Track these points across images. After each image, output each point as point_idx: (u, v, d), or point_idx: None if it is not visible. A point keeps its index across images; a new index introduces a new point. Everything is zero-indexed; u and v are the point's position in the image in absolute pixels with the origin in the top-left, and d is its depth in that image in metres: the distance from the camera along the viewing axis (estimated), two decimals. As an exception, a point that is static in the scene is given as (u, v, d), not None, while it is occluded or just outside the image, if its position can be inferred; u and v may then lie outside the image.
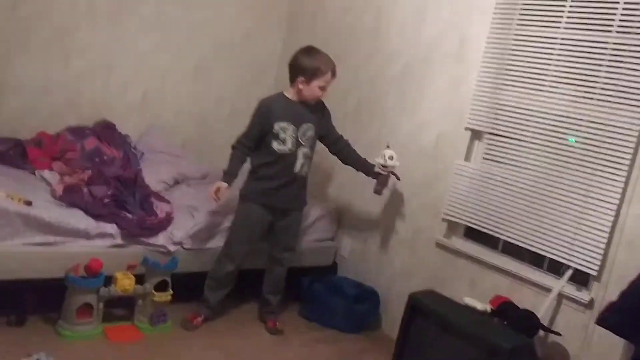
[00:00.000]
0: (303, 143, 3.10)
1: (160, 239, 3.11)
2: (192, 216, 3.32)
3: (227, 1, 4.22)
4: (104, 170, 3.29)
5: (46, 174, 3.23)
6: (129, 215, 3.04)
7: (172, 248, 3.13)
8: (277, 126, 3.05)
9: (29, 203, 2.75)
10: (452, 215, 3.27)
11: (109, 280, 2.85)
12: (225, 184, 3.09)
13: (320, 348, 3.22)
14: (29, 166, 3.28)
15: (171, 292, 3.04)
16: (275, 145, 3.06)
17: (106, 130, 3.68)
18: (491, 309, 2.84)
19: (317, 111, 3.19)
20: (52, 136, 3.50)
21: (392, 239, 3.62)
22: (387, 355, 3.06)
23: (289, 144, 3.07)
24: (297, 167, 3.11)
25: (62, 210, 2.86)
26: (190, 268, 3.22)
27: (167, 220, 3.16)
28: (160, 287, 3.02)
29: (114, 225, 2.96)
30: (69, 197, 2.96)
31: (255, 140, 3.12)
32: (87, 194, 3.01)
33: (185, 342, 2.98)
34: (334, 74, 3.09)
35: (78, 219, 2.87)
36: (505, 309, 2.81)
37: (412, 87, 3.59)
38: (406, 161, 3.53)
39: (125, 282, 2.87)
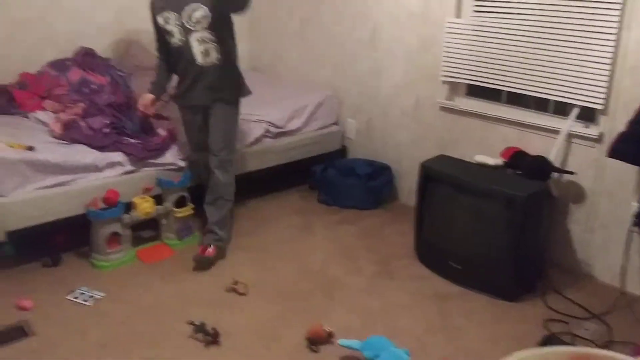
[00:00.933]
0: (192, 27, 2.68)
1: (168, 157, 3.12)
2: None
3: None
4: (96, 100, 3.25)
5: (40, 114, 3.20)
6: (132, 140, 3.03)
7: (181, 164, 3.15)
8: (160, 19, 2.73)
9: (30, 148, 2.74)
10: (451, 76, 3.22)
11: (129, 206, 2.91)
12: (150, 95, 2.92)
13: (345, 228, 3.32)
14: (20, 110, 3.24)
15: (191, 205, 3.10)
16: (169, 39, 2.76)
17: (87, 58, 3.58)
18: (503, 162, 2.88)
19: None
20: (35, 75, 3.42)
21: (396, 112, 3.60)
22: (408, 224, 3.17)
23: (176, 34, 2.72)
24: (198, 56, 2.73)
25: (65, 148, 2.86)
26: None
27: (170, 137, 3.16)
28: (180, 202, 3.08)
29: (120, 153, 2.97)
30: (69, 134, 2.94)
31: (161, 44, 2.85)
32: (85, 128, 2.99)
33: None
34: None
35: (83, 154, 2.87)
36: (517, 159, 2.84)
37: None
38: (398, 29, 3.44)
39: (145, 206, 2.92)
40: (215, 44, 2.72)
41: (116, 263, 2.86)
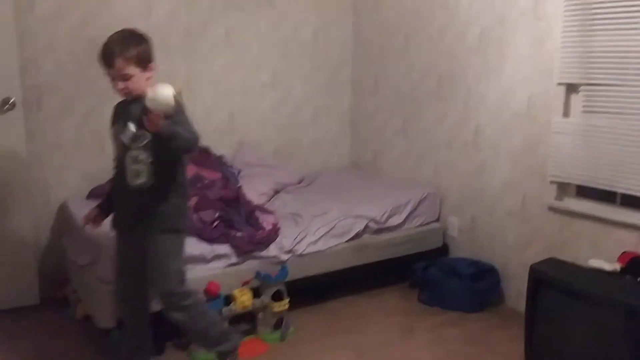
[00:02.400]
0: (129, 144, 2.38)
1: (272, 251, 3.19)
2: (297, 222, 3.40)
3: (289, 6, 4.24)
4: (208, 194, 3.43)
5: (156, 207, 3.41)
6: (239, 233, 3.14)
7: (284, 257, 3.21)
8: (113, 130, 2.51)
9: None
10: (560, 176, 3.12)
11: (228, 299, 2.96)
12: (95, 210, 2.67)
13: (447, 332, 3.18)
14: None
15: (287, 300, 3.12)
16: (114, 151, 2.53)
17: (202, 155, 3.81)
18: (620, 267, 2.69)
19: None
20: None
21: (501, 211, 3.51)
22: (517, 330, 2.98)
23: (118, 149, 2.47)
24: (129, 176, 2.39)
25: (176, 240, 3.00)
26: (305, 273, 3.29)
27: (275, 231, 3.24)
28: (277, 296, 3.10)
29: (227, 246, 3.07)
30: (181, 226, 3.10)
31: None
32: (197, 220, 3.14)
33: (313, 345, 3.04)
34: (103, 64, 2.34)
35: (194, 246, 2.98)
36: (636, 265, 2.64)
37: (493, 52, 3.45)
38: (501, 129, 3.43)
39: (243, 299, 2.97)
40: (152, 166, 2.37)
41: (214, 356, 2.88)
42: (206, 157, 3.81)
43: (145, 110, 2.20)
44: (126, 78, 2.31)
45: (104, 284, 2.78)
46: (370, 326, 3.25)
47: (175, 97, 2.22)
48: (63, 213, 3.42)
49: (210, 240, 3.05)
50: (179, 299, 2.50)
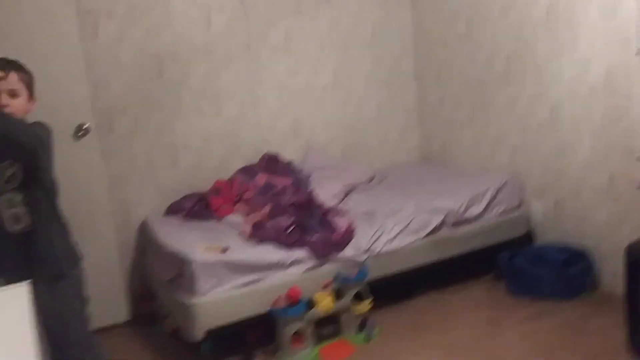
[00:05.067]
0: (1, 188, 2.17)
1: (348, 252, 3.15)
2: (371, 221, 3.34)
3: (346, 3, 4.19)
4: (280, 201, 3.44)
5: (231, 218, 3.45)
6: (314, 237, 3.12)
7: (361, 257, 3.16)
8: None
9: (225, 250, 2.94)
10: (649, 149, 2.91)
11: (310, 303, 2.94)
12: None
13: (540, 323, 3.03)
14: (215, 215, 3.52)
15: (369, 300, 3.06)
16: None
17: (272, 162, 3.84)
18: None
19: None
20: (227, 182, 3.73)
21: (587, 191, 3.31)
22: (616, 315, 2.79)
23: None
24: (7, 221, 2.18)
25: (254, 248, 3.02)
26: (383, 272, 3.23)
27: (349, 232, 3.20)
28: (359, 297, 3.06)
29: (304, 250, 3.06)
30: (258, 235, 3.12)
31: None
32: (272, 228, 3.14)
33: (400, 344, 2.97)
34: None
35: (271, 253, 3.00)
36: None
37: (562, 27, 3.28)
38: (578, 105, 3.25)
39: (325, 302, 2.94)
40: (28, 207, 2.20)
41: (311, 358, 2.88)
42: (276, 164, 3.83)
43: None
44: (13, 95, 2.17)
45: (189, 297, 2.83)
46: (458, 322, 3.15)
47: None
48: (144, 230, 3.52)
49: (287, 246, 3.05)
50: (84, 350, 2.36)
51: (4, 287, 1.64)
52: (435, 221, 3.40)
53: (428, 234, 3.38)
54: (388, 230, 3.27)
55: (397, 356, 2.87)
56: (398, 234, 3.29)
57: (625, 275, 2.60)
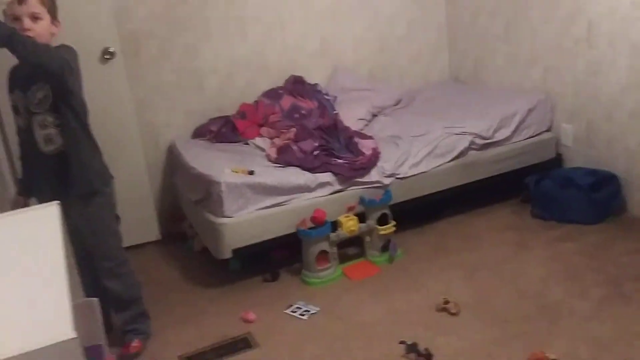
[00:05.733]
0: (34, 110, 2.26)
1: (373, 176, 3.16)
2: (397, 145, 3.32)
3: None
4: (306, 124, 3.43)
5: (258, 141, 3.47)
6: (340, 161, 3.13)
7: (386, 181, 3.17)
8: (12, 97, 2.33)
9: (251, 172, 2.98)
10: (690, 69, 2.78)
11: (334, 225, 2.99)
12: (20, 198, 2.49)
13: (566, 246, 3.03)
14: (241, 138, 3.54)
15: (393, 223, 3.09)
16: (16, 120, 2.37)
17: (297, 85, 3.80)
18: None
19: None
20: (253, 105, 3.73)
21: (622, 114, 3.21)
22: (642, 240, 2.79)
23: (22, 115, 2.30)
24: (40, 143, 2.28)
25: (280, 171, 3.05)
26: (408, 195, 3.24)
27: (375, 155, 3.20)
28: (383, 220, 3.09)
29: (329, 174, 3.08)
30: (283, 158, 3.14)
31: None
32: (297, 151, 3.16)
33: (422, 265, 3.02)
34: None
35: (296, 176, 3.03)
36: None
37: None
38: (618, 21, 3.09)
39: (349, 224, 2.99)
40: (59, 128, 2.28)
41: (325, 280, 2.96)
42: (301, 87, 3.79)
43: None
44: (35, 18, 2.18)
45: (217, 217, 2.90)
46: (482, 244, 3.17)
47: None
48: (172, 153, 3.57)
49: (312, 169, 3.07)
50: (116, 265, 2.50)
51: (36, 206, 1.69)
52: (463, 144, 3.36)
53: (455, 157, 3.35)
54: (414, 154, 3.26)
55: (420, 276, 2.92)
56: (424, 157, 3.27)
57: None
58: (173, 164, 3.60)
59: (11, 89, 2.34)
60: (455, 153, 3.34)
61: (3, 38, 1.98)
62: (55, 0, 2.30)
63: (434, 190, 3.32)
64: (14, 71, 2.36)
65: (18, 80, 2.32)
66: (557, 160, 3.61)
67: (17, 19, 2.16)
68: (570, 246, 3.02)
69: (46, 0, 2.23)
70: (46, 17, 2.22)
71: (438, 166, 3.30)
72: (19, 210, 1.75)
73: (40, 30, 2.20)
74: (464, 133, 3.38)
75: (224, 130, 3.57)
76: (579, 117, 3.48)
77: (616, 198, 3.23)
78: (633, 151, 3.18)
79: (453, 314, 2.56)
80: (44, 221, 1.53)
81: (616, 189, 3.23)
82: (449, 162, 3.33)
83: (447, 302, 2.60)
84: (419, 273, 2.95)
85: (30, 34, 2.15)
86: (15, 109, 2.33)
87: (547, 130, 3.61)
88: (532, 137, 3.55)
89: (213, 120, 3.66)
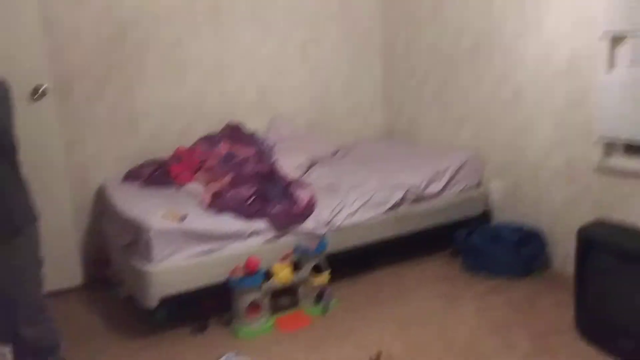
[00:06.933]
0: None
1: (309, 224, 3.15)
2: (333, 194, 3.35)
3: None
4: (242, 170, 3.41)
5: (191, 186, 3.40)
6: (275, 208, 3.11)
7: (322, 230, 3.16)
8: None
9: (183, 218, 2.90)
10: (606, 135, 2.97)
11: (268, 274, 2.94)
12: None
13: (492, 299, 3.10)
14: (174, 182, 3.46)
15: (327, 272, 3.08)
16: None
17: (234, 132, 3.79)
18: (676, 227, 2.55)
19: None
20: (188, 150, 3.67)
21: (546, 173, 3.37)
22: (565, 294, 2.89)
23: None
24: None
25: (213, 218, 2.99)
26: (344, 245, 3.25)
27: (311, 204, 3.20)
28: (317, 269, 3.07)
29: (264, 221, 3.05)
30: (217, 204, 3.08)
31: None
32: (232, 197, 3.12)
33: (356, 316, 3.00)
34: None
35: (230, 223, 2.98)
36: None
37: (530, 6, 3.29)
38: (541, 86, 3.29)
39: (283, 273, 2.95)
40: None
41: (257, 331, 2.88)
42: (239, 134, 3.78)
43: None
44: None
45: (144, 264, 2.79)
46: (414, 296, 3.19)
47: None
48: (101, 196, 3.45)
49: (247, 216, 3.03)
50: (34, 311, 2.31)
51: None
52: (396, 197, 3.42)
53: (388, 209, 3.40)
54: (349, 204, 3.28)
55: (352, 328, 2.90)
56: (359, 208, 3.30)
57: (576, 257, 2.68)
58: (101, 206, 3.47)
59: None
60: (389, 204, 3.39)
61: None
62: None
63: (368, 241, 3.34)
64: None
65: None
66: (486, 215, 3.74)
67: None
68: (498, 299, 3.09)
69: None
70: None
71: (372, 217, 3.34)
72: None
73: None
74: (397, 186, 3.44)
75: (156, 174, 3.48)
76: (507, 174, 3.63)
77: (541, 254, 3.36)
78: (557, 209, 3.33)
79: (385, 367, 2.54)
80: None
81: (541, 245, 3.36)
82: (383, 213, 3.37)
83: (379, 355, 2.58)
84: (351, 325, 2.93)
85: None
86: None
87: (477, 186, 3.75)
88: (462, 192, 3.67)
89: (146, 164, 3.58)
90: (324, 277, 3.06)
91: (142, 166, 3.56)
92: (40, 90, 3.17)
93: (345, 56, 4.35)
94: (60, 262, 3.29)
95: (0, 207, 2.20)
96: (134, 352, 2.78)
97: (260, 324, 2.90)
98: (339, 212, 3.24)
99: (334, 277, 3.12)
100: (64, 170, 3.34)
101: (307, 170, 3.79)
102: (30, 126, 3.06)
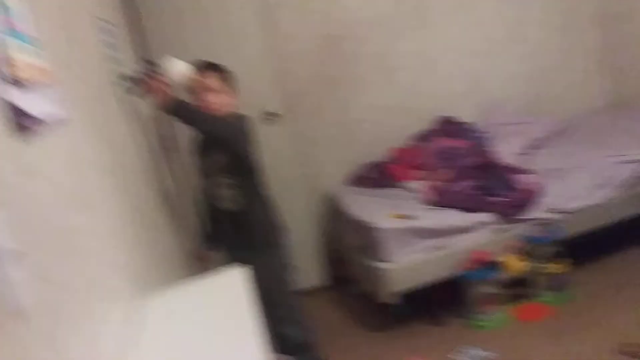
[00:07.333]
0: (214, 173, 2.54)
1: (537, 211, 3.06)
2: (560, 178, 3.20)
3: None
4: (460, 163, 3.43)
5: (411, 184, 3.52)
6: (498, 199, 3.08)
7: (550, 217, 3.05)
8: (196, 162, 2.64)
9: (409, 217, 3.03)
10: None
11: (499, 265, 2.93)
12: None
13: None
14: (395, 182, 3.61)
15: (565, 259, 2.96)
16: (199, 181, 2.66)
17: (448, 125, 3.82)
18: None
19: None
20: (403, 148, 3.80)
21: None
22: None
23: (205, 177, 2.61)
24: (221, 201, 2.55)
25: (438, 213, 3.07)
26: (578, 229, 3.09)
27: (536, 190, 3.10)
28: (552, 257, 2.97)
29: (489, 212, 3.04)
30: (440, 199, 3.16)
31: None
32: (454, 192, 3.16)
33: (600, 303, 2.85)
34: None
35: (455, 217, 3.03)
36: None
37: None
38: None
39: (516, 264, 2.91)
40: (237, 188, 2.52)
41: (493, 323, 2.89)
42: (452, 127, 3.80)
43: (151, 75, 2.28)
44: (216, 92, 2.43)
45: (378, 262, 2.98)
46: None
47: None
48: (332, 202, 3.74)
49: (472, 209, 3.05)
50: (288, 311, 2.66)
51: (223, 270, 1.89)
52: (629, 173, 3.15)
53: (623, 187, 3.15)
54: (578, 186, 3.11)
55: (596, 317, 2.76)
56: (589, 189, 3.12)
57: None
58: (333, 212, 3.76)
59: (195, 154, 2.62)
60: (623, 182, 3.14)
61: (170, 109, 2.26)
62: (232, 75, 2.55)
63: (604, 223, 3.14)
64: (196, 138, 2.63)
65: (199, 146, 2.60)
66: None
67: (198, 91, 2.43)
68: None
69: (225, 76, 2.50)
70: (226, 91, 2.48)
71: (606, 197, 3.12)
72: (210, 275, 1.95)
73: (220, 102, 2.44)
74: (630, 161, 3.16)
75: (377, 176, 3.67)
76: None
77: None
78: None
79: (638, 358, 2.38)
80: (232, 285, 1.70)
81: None
82: (617, 192, 3.13)
83: (630, 344, 2.43)
84: (597, 314, 2.79)
85: (211, 106, 2.41)
86: (199, 172, 2.61)
87: None
88: None
89: (366, 167, 3.79)
90: (561, 265, 2.96)
91: (363, 169, 3.78)
92: (274, 114, 3.52)
93: (555, 27, 4.09)
94: (307, 265, 3.64)
95: (254, 225, 2.58)
96: (380, 344, 2.98)
97: (495, 316, 2.91)
98: (567, 196, 3.09)
99: (575, 264, 2.98)
100: (298, 179, 3.67)
101: (529, 155, 3.66)
102: (269, 146, 3.45)
